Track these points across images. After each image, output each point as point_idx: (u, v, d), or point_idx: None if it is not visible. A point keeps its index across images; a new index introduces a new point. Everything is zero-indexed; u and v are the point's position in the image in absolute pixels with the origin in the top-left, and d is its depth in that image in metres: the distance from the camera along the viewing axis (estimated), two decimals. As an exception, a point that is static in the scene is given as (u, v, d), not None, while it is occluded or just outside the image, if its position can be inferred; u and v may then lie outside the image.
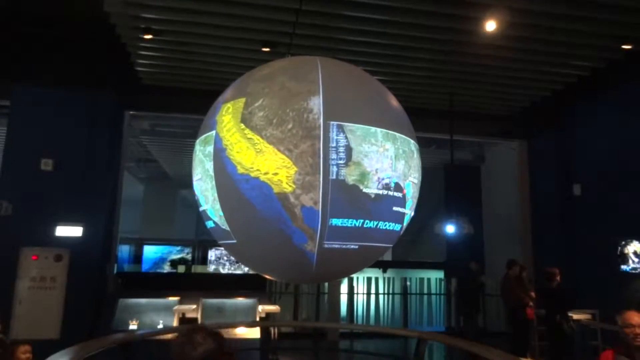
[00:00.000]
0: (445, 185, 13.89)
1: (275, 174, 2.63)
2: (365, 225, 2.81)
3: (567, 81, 9.20)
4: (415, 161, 3.13)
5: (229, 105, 2.91)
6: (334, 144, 2.66)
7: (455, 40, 7.69)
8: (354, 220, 2.76)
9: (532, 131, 11.19)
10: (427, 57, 8.25)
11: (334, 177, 2.65)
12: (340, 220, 2.72)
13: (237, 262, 11.16)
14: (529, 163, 11.32)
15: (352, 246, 2.86)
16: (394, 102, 3.22)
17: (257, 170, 2.65)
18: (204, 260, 12.24)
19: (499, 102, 10.37)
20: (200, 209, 3.20)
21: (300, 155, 2.62)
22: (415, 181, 3.14)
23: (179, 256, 12.65)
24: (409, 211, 3.15)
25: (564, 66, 8.63)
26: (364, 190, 2.73)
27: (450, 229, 10.34)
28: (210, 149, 2.90)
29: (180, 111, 10.07)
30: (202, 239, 13.99)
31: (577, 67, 8.67)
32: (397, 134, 2.95)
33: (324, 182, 2.63)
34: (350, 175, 2.68)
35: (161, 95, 9.75)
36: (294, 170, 2.62)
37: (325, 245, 2.75)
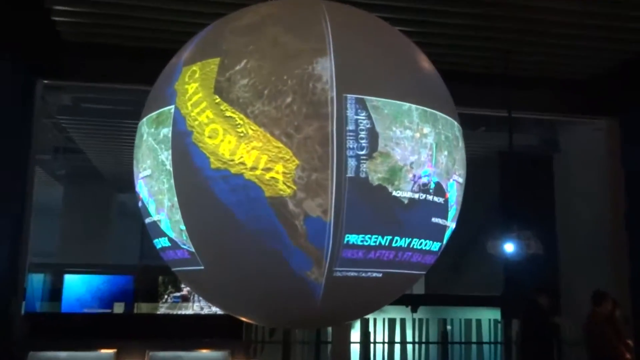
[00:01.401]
0: (501, 185, 13.92)
1: (268, 169, 2.60)
2: (394, 244, 2.80)
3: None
4: (460, 152, 3.13)
5: (194, 68, 2.88)
6: (352, 127, 2.64)
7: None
8: (380, 237, 2.74)
9: (624, 104, 11.18)
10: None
11: (352, 174, 2.62)
12: (360, 236, 2.70)
13: (200, 300, 11.16)
14: (622, 149, 11.33)
15: (374, 274, 2.84)
16: (427, 65, 3.22)
17: (241, 163, 2.62)
18: (152, 296, 12.25)
19: (576, 64, 10.40)
20: (148, 220, 3.17)
21: (304, 143, 2.59)
22: (461, 180, 3.14)
23: (115, 290, 12.64)
24: (451, 223, 3.15)
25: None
26: (394, 193, 2.71)
27: (508, 247, 10.36)
28: (166, 131, 2.88)
29: (118, 80, 10.06)
30: (149, 265, 13.98)
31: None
32: (438, 113, 2.94)
33: (337, 182, 2.60)
34: (375, 172, 2.66)
35: (89, 56, 9.73)
36: (294, 164, 2.59)
37: (337, 273, 2.73)
